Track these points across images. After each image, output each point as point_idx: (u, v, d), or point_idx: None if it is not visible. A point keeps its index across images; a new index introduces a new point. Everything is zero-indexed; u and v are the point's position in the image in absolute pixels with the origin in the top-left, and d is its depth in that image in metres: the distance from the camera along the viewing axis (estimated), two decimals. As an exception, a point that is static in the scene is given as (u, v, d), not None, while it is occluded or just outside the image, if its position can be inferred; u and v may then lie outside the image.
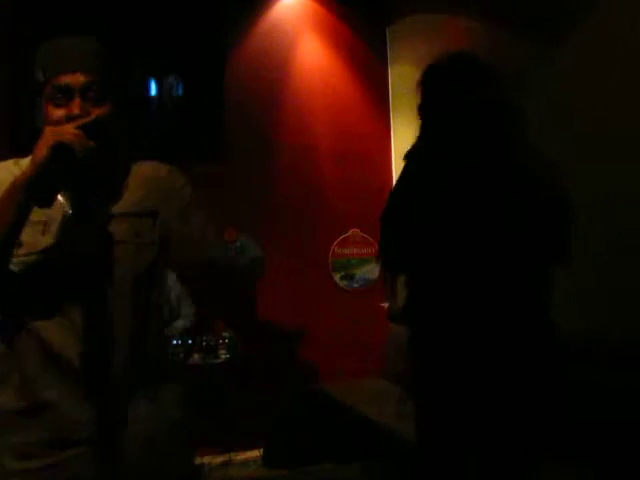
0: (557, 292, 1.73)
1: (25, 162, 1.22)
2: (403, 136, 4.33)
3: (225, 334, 3.62)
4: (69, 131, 1.13)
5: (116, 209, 1.27)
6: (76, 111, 1.19)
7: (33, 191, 1.12)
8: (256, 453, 3.72)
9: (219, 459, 3.67)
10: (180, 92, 3.87)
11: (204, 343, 3.57)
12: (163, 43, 3.72)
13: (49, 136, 1.12)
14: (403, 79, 4.28)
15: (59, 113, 1.20)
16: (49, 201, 1.14)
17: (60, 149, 1.11)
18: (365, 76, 4.40)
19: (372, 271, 4.32)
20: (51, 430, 1.19)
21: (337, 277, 4.24)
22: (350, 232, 4.29)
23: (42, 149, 1.10)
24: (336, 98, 4.32)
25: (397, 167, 4.43)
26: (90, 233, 1.24)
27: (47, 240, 1.21)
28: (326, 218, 4.20)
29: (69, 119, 1.18)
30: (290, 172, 4.07)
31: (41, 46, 1.27)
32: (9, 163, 1.29)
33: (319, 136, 4.25)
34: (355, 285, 4.28)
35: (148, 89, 3.76)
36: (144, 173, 1.35)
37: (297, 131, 4.19)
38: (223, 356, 3.57)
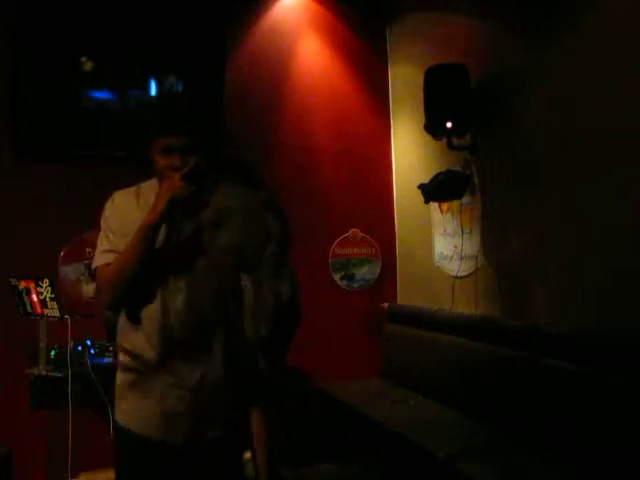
0: (556, 291, 1.73)
1: (145, 187, 1.76)
2: (403, 136, 4.33)
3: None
4: (177, 184, 1.60)
5: (199, 220, 1.69)
6: (178, 164, 1.62)
7: (155, 230, 1.62)
8: (256, 453, 3.71)
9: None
10: (180, 92, 3.86)
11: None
12: (163, 42, 3.72)
13: (165, 191, 1.61)
14: (403, 79, 4.28)
15: (164, 162, 1.65)
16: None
17: (174, 201, 1.61)
18: (365, 76, 4.39)
19: (372, 271, 4.32)
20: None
21: (337, 277, 4.24)
22: (350, 232, 4.29)
23: (162, 201, 1.60)
24: (336, 98, 4.32)
25: (397, 167, 4.43)
26: (180, 244, 1.69)
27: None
28: (326, 218, 4.20)
29: (173, 169, 1.62)
30: (290, 172, 4.07)
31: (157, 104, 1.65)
32: (131, 192, 1.77)
33: (319, 136, 4.25)
34: (355, 285, 4.28)
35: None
36: (228, 195, 1.74)
37: (297, 131, 4.19)
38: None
